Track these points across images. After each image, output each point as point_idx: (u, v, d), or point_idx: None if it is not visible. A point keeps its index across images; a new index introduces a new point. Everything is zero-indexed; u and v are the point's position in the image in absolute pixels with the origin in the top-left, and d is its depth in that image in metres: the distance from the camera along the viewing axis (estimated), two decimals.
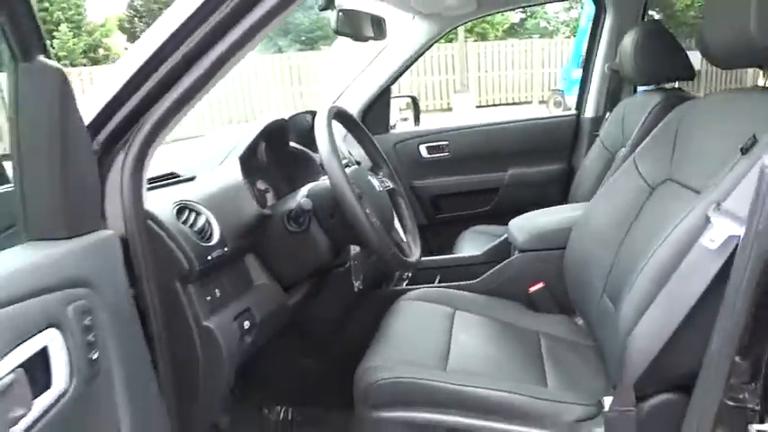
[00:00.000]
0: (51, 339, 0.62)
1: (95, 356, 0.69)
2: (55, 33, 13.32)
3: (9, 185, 0.79)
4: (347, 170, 1.23)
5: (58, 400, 0.61)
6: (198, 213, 1.07)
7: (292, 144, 1.54)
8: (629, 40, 1.81)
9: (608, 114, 2.20)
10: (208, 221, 1.08)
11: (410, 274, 1.79)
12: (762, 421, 0.82)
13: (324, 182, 1.28)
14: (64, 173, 0.73)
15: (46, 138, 0.72)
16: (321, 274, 1.41)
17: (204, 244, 1.03)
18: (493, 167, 2.44)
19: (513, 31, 15.58)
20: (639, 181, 1.28)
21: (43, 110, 0.71)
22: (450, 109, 12.21)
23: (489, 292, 1.60)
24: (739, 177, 0.89)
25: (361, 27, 1.68)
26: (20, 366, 0.57)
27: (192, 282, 1.00)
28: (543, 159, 2.42)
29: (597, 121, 2.32)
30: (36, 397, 0.59)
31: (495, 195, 2.46)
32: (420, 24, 2.27)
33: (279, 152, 1.50)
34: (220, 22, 0.85)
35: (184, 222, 1.03)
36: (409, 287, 1.69)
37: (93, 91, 0.87)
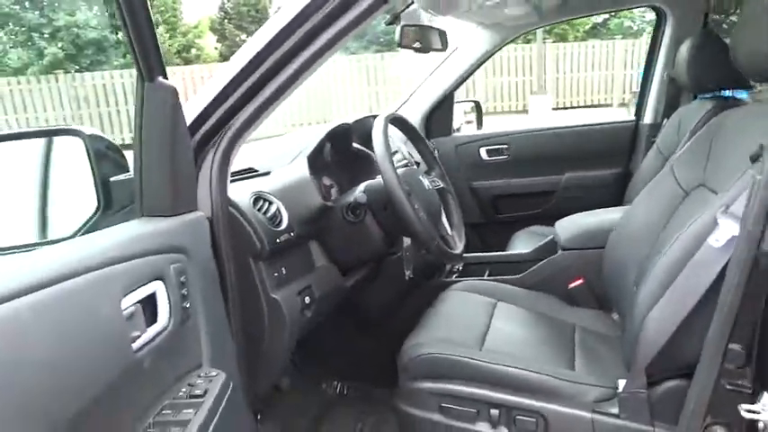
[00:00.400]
0: (158, 288, 0.83)
1: (187, 305, 0.90)
2: None
3: (129, 174, 1.02)
4: (400, 170, 1.39)
5: (161, 332, 0.82)
6: (270, 203, 1.27)
7: (355, 145, 1.73)
8: (684, 49, 1.87)
9: (665, 121, 2.25)
10: (278, 210, 1.27)
11: (460, 268, 1.94)
12: (752, 402, 0.91)
13: (379, 179, 1.45)
14: (171, 166, 0.95)
15: (160, 140, 0.93)
16: (376, 262, 1.58)
17: (274, 228, 1.22)
18: (550, 171, 2.52)
19: (594, 32, 15.15)
20: (675, 186, 1.35)
21: (160, 119, 0.92)
22: (525, 111, 12.11)
23: (532, 286, 1.71)
24: (746, 184, 0.98)
25: (423, 40, 1.83)
26: (138, 302, 0.78)
27: (263, 259, 1.19)
28: (600, 164, 2.48)
29: (655, 128, 2.35)
30: (148, 326, 0.80)
31: (551, 198, 2.54)
32: (483, 34, 2.39)
33: (343, 152, 1.69)
34: (303, 37, 1.02)
35: (259, 210, 1.22)
36: (459, 279, 1.83)
37: (192, 100, 1.08)
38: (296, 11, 1.02)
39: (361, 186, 1.46)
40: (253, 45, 1.05)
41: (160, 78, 0.92)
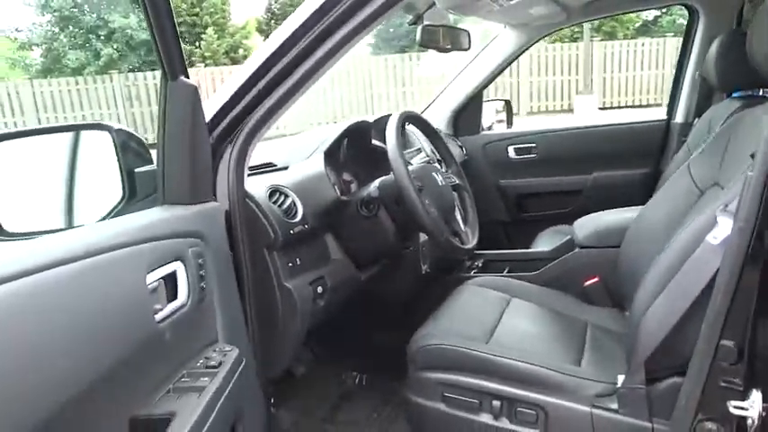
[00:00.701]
0: (178, 268, 0.91)
1: (204, 286, 0.97)
2: (203, 36, 14.75)
3: (152, 166, 1.10)
4: (414, 166, 1.43)
5: (180, 308, 0.90)
6: (286, 196, 1.33)
7: (375, 142, 1.77)
8: (713, 47, 1.84)
9: (696, 120, 2.21)
10: (294, 203, 1.33)
11: (480, 264, 1.96)
12: (743, 399, 0.91)
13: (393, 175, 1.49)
14: (190, 159, 1.02)
15: (181, 135, 1.01)
16: (391, 256, 1.62)
17: (289, 220, 1.28)
18: (578, 170, 2.51)
19: (645, 30, 14.73)
20: (691, 184, 1.35)
21: (181, 115, 1.00)
22: (571, 110, 11.89)
23: (548, 283, 1.72)
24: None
25: (444, 40, 1.87)
26: (161, 278, 0.86)
27: (277, 249, 1.25)
28: (629, 163, 2.45)
29: (687, 127, 2.31)
30: (169, 302, 0.88)
31: (579, 197, 2.53)
32: (511, 34, 2.40)
33: (361, 149, 1.74)
34: (317, 36, 1.07)
35: (274, 202, 1.28)
36: (477, 275, 1.86)
37: (212, 98, 1.15)
38: (311, 10, 1.08)
39: (377, 182, 1.51)
40: (269, 44, 1.11)
41: (182, 77, 0.99)
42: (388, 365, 1.78)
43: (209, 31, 14.87)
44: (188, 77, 1.01)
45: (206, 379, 0.89)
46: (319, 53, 1.09)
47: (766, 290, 0.88)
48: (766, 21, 1.16)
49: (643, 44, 12.37)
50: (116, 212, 1.13)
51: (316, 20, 1.08)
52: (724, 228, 0.97)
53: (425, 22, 1.88)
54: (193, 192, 1.05)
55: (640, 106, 12.09)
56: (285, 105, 1.14)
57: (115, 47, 14.16)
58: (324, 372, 1.83)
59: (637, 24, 14.74)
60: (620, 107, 12.21)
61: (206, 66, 12.99)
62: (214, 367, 0.93)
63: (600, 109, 11.69)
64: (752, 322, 0.90)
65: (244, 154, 1.15)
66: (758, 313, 0.89)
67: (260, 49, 1.13)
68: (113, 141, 1.14)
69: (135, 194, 1.14)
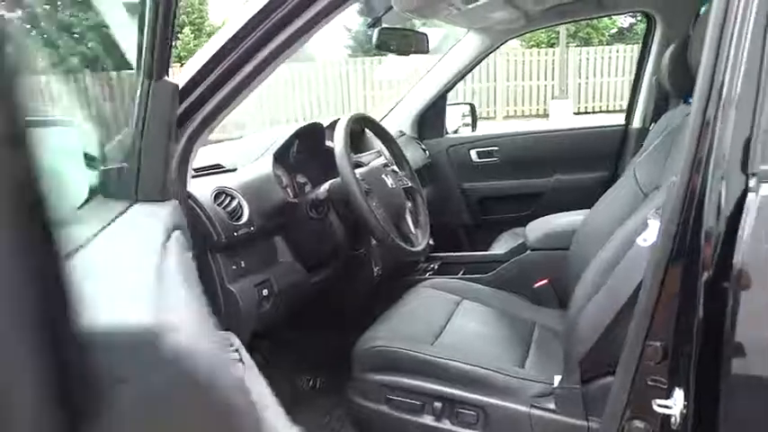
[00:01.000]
0: None
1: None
2: (179, 35, 14.60)
3: (113, 164, 1.08)
4: (363, 169, 1.43)
5: None
6: (232, 198, 1.32)
7: (329, 143, 1.77)
8: (667, 54, 1.88)
9: (653, 125, 2.24)
10: (239, 204, 1.32)
11: (436, 266, 1.97)
12: (668, 397, 0.93)
13: None
14: (166, 157, 1.01)
15: (161, 133, 1.00)
16: (341, 259, 1.62)
17: (233, 222, 1.28)
18: (539, 173, 2.53)
19: (621, 36, 14.94)
20: (635, 188, 1.37)
21: (161, 113, 0.99)
22: (546, 115, 12.03)
23: (500, 285, 1.74)
24: None
25: (401, 43, 1.88)
26: None
27: (220, 251, 1.24)
28: (589, 167, 2.48)
29: (644, 132, 2.35)
30: None
31: (539, 200, 2.55)
32: (474, 38, 2.42)
33: (315, 151, 1.73)
34: (255, 42, 1.07)
35: (219, 204, 1.27)
36: (432, 277, 1.87)
37: None
38: (254, 11, 1.07)
39: (326, 184, 1.51)
40: (211, 46, 1.11)
41: (165, 78, 0.99)
42: (341, 369, 1.78)
43: (186, 30, 14.71)
44: (168, 76, 1.00)
45: (235, 354, 0.92)
46: (262, 55, 1.09)
47: (688, 290, 0.89)
48: (702, 32, 1.19)
49: (618, 50, 12.56)
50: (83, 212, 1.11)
51: (259, 21, 1.07)
52: (653, 230, 0.98)
53: (383, 26, 1.89)
54: (165, 189, 1.04)
55: (615, 111, 12.25)
56: (229, 106, 1.13)
57: (89, 45, 13.95)
58: (276, 376, 1.81)
59: (612, 31, 14.94)
60: (594, 112, 12.38)
61: (182, 65, 12.84)
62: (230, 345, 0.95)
63: (575, 114, 11.84)
64: (675, 322, 0.92)
65: (187, 154, 1.14)
66: (682, 313, 0.91)
67: (202, 50, 1.12)
68: (77, 139, 1.12)
69: (98, 193, 1.12)
